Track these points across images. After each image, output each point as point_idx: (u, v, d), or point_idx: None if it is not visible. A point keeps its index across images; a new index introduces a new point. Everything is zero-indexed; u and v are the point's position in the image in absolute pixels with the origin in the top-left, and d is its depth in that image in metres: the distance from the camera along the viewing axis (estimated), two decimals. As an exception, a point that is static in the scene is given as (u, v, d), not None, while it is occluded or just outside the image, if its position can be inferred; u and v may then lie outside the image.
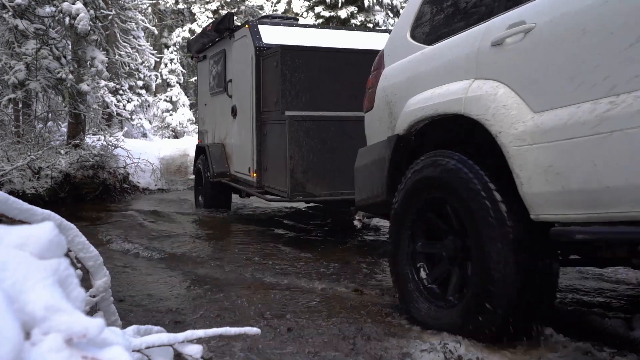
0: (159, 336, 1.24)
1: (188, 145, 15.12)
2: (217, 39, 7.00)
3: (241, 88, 6.08)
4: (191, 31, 25.34)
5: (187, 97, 24.71)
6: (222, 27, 6.48)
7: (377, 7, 19.06)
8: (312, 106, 5.02)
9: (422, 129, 2.82)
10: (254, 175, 5.67)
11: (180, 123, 22.19)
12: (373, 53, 3.65)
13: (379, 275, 3.88)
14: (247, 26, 5.84)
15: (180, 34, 25.69)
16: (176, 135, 21.29)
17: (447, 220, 2.61)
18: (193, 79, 26.66)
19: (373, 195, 3.12)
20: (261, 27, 5.79)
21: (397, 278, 2.83)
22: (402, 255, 2.78)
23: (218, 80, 7.05)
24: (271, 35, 5.72)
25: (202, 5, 26.04)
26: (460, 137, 2.69)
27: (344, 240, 5.28)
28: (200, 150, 7.57)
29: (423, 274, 2.73)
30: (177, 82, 23.95)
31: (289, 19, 6.95)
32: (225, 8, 26.25)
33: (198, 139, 8.35)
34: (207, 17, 25.48)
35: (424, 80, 2.76)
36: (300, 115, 4.90)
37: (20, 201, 1.36)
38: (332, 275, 3.85)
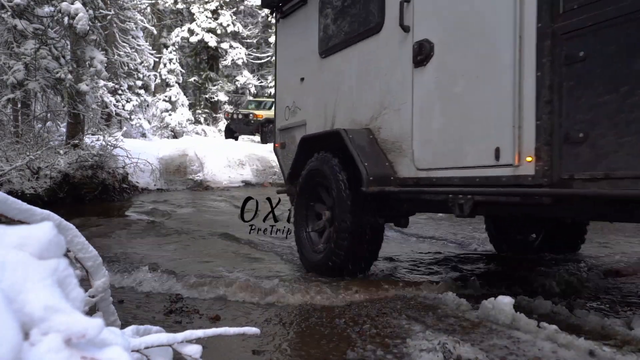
0: (158, 336, 1.24)
1: (187, 145, 15.14)
2: None
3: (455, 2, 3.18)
4: (190, 31, 25.36)
5: (186, 97, 24.75)
6: None
7: None
8: None
9: None
10: (530, 159, 2.68)
11: (179, 123, 22.25)
12: None
13: None
14: None
15: (179, 34, 25.70)
16: (175, 135, 21.32)
17: None
18: (192, 79, 26.68)
19: None
20: None
21: None
22: None
23: (354, 19, 4.11)
24: None
25: (201, 5, 26.02)
26: None
27: None
28: (315, 143, 4.25)
29: None
30: (176, 82, 24.00)
31: None
32: (224, 8, 26.25)
33: (276, 143, 5.41)
34: (206, 17, 25.50)
35: None
36: None
37: (19, 201, 1.35)
38: None
